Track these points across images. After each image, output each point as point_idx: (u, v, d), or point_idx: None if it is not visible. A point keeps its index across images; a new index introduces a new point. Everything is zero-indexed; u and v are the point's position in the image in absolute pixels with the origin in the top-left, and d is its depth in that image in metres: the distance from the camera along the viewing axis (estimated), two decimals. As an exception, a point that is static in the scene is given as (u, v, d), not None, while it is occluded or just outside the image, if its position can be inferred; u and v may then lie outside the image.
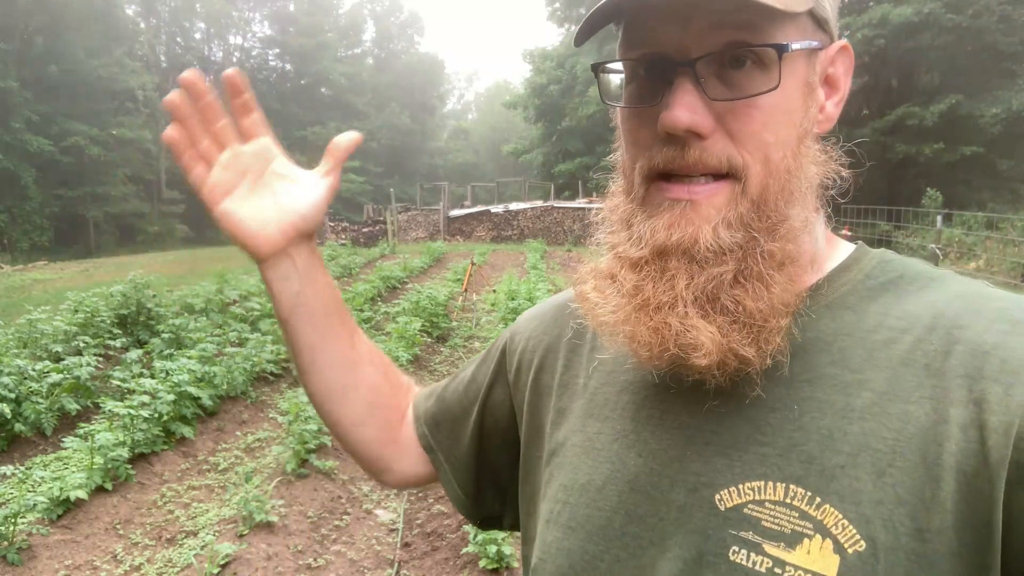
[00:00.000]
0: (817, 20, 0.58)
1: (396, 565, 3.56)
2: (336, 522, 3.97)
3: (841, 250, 0.65)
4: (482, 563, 3.30)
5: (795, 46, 0.55)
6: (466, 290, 12.07)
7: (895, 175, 27.80)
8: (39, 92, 34.58)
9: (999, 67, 25.44)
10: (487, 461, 0.84)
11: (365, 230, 28.46)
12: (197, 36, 51.63)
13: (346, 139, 0.73)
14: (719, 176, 0.57)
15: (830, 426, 0.54)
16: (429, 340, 8.13)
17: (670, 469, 0.59)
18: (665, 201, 0.58)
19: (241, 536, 3.58)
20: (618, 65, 0.61)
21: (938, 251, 7.75)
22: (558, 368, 0.75)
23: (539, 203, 28.18)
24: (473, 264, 13.93)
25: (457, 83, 79.73)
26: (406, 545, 3.78)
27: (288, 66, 55.10)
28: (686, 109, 0.54)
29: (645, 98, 0.58)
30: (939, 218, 8.87)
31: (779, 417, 0.56)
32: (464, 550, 3.45)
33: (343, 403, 0.81)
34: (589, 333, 0.73)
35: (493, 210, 28.23)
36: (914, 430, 0.52)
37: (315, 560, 3.53)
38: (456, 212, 29.13)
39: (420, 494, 4.37)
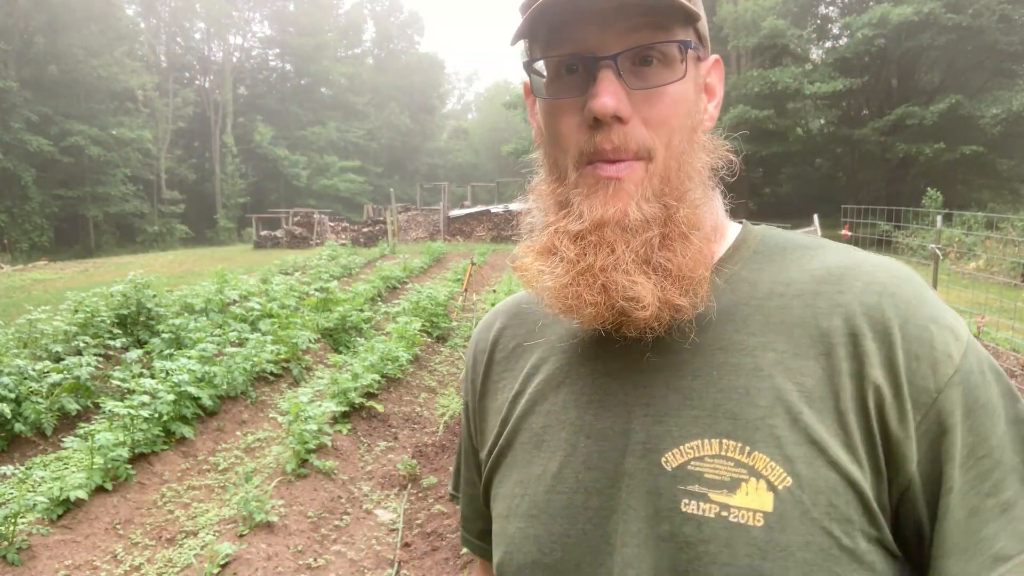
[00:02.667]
0: (700, 35, 0.69)
1: (396, 565, 3.56)
2: (336, 522, 3.97)
3: (732, 230, 0.75)
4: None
5: (693, 45, 0.66)
6: (466, 290, 12.07)
7: (895, 175, 27.80)
8: (39, 92, 34.57)
9: (999, 67, 25.44)
10: None
11: (365, 230, 28.46)
12: (197, 36, 51.59)
13: None
14: (635, 157, 0.65)
15: (746, 385, 0.63)
16: (429, 340, 8.13)
17: (618, 443, 0.66)
18: (599, 181, 0.65)
19: (241, 536, 3.58)
20: (540, 66, 0.69)
21: (938, 251, 7.73)
22: (495, 377, 0.82)
23: (539, 203, 28.13)
24: (473, 264, 13.92)
25: (457, 83, 79.71)
26: (406, 545, 3.78)
27: (288, 66, 55.07)
28: (612, 96, 0.63)
29: (570, 92, 0.66)
30: (939, 218, 8.86)
31: (702, 383, 0.65)
32: (464, 550, 3.45)
33: None
34: (517, 342, 0.81)
35: (493, 210, 28.22)
36: (813, 382, 0.62)
37: (315, 560, 3.53)
38: (456, 212, 29.12)
39: (420, 494, 4.38)
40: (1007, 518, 0.59)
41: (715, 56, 0.74)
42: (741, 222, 0.78)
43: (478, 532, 0.89)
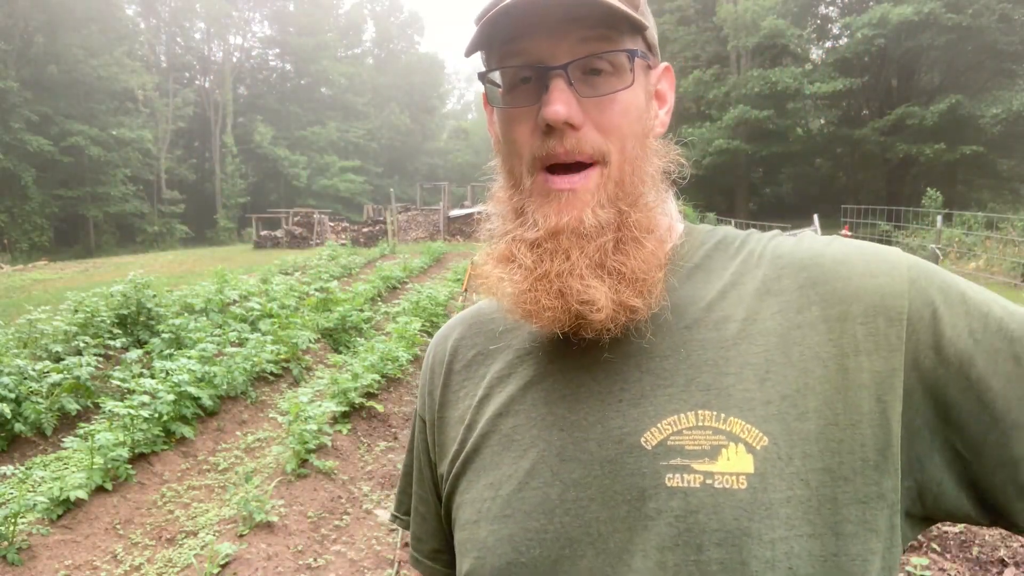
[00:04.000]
0: (648, 44, 0.72)
1: (396, 565, 3.56)
2: (336, 522, 3.97)
3: (680, 226, 0.79)
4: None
5: (640, 54, 0.69)
6: (466, 290, 12.07)
7: (895, 175, 27.80)
8: (39, 92, 34.58)
9: (999, 67, 25.44)
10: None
11: (365, 230, 28.46)
12: (197, 36, 51.60)
13: None
14: (590, 164, 0.68)
15: (714, 357, 0.66)
16: (429, 340, 8.12)
17: (593, 432, 0.67)
18: (552, 191, 0.68)
19: (241, 536, 3.58)
20: (497, 76, 0.72)
21: (938, 251, 7.74)
22: (455, 387, 0.81)
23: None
24: (473, 264, 13.92)
25: (457, 83, 79.67)
26: (406, 545, 3.77)
27: (288, 66, 55.09)
28: (563, 104, 0.65)
29: (524, 100, 0.69)
30: (939, 218, 8.86)
31: (672, 362, 0.67)
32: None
33: None
34: (477, 350, 0.81)
35: (493, 210, 28.17)
36: (775, 340, 0.65)
37: (315, 560, 3.53)
38: (456, 212, 29.13)
39: (420, 494, 4.37)
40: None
41: (665, 64, 0.77)
42: (683, 220, 0.81)
43: (430, 552, 0.88)
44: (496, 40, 0.69)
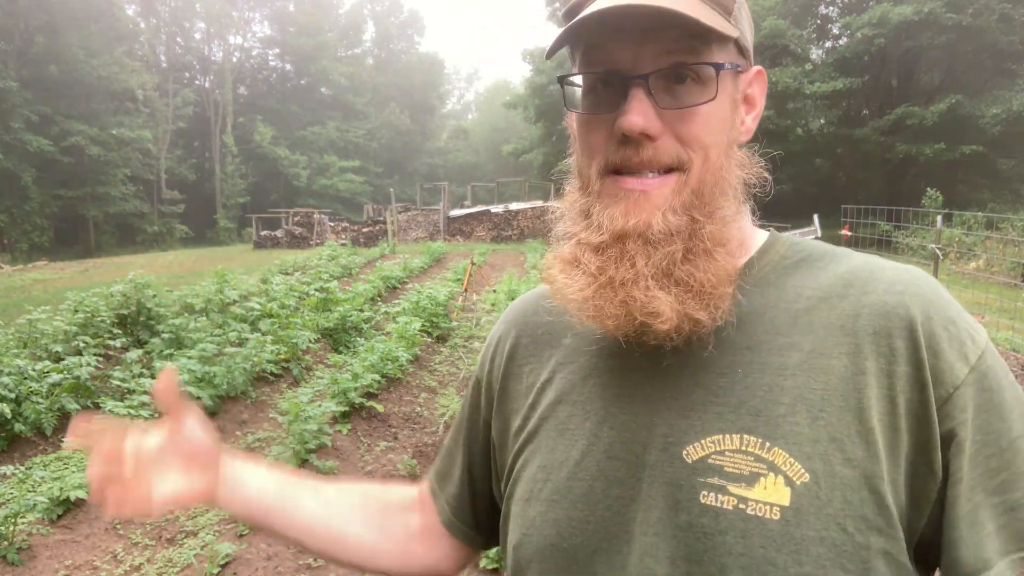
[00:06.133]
0: (740, 48, 0.70)
1: (396, 565, 3.56)
2: (336, 522, 3.97)
3: (759, 237, 0.77)
4: (482, 563, 3.30)
5: (727, 65, 0.67)
6: (466, 290, 12.07)
7: (895, 175, 27.78)
8: (39, 92, 34.59)
9: (999, 67, 25.43)
10: (481, 482, 0.90)
11: (365, 230, 28.47)
12: (197, 36, 51.63)
13: (165, 380, 0.79)
14: (667, 170, 0.67)
15: (770, 383, 0.65)
16: (429, 340, 8.12)
17: (640, 435, 0.68)
18: (620, 192, 0.67)
19: (241, 536, 3.58)
20: (577, 78, 0.71)
21: (938, 251, 7.74)
22: (520, 360, 0.83)
23: (539, 203, 28.19)
24: (473, 264, 13.90)
25: (457, 83, 79.73)
26: (406, 545, 3.78)
27: (288, 66, 55.08)
28: (640, 115, 0.64)
29: (603, 107, 0.68)
30: (939, 218, 8.85)
31: (728, 380, 0.67)
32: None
33: (345, 546, 0.89)
34: (546, 329, 0.82)
35: (493, 210, 28.24)
36: (837, 380, 0.64)
37: (315, 560, 3.53)
38: (456, 212, 29.14)
39: (420, 494, 4.37)
40: (1009, 517, 0.62)
41: (757, 67, 0.75)
42: (769, 230, 0.79)
43: (448, 492, 0.92)
44: (580, 42, 0.69)
